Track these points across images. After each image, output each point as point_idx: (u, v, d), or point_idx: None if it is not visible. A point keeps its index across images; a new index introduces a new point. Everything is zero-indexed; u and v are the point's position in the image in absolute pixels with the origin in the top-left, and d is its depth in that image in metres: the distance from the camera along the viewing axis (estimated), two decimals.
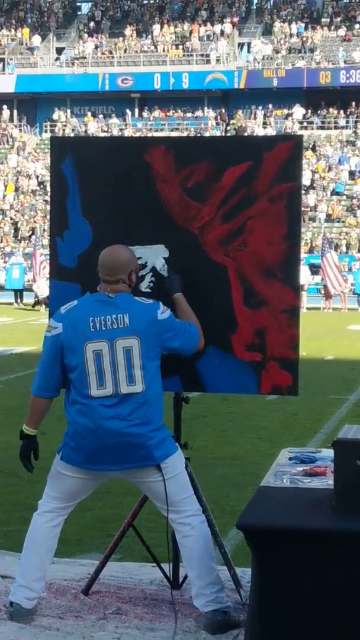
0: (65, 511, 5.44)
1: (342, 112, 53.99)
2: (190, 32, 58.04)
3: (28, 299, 35.94)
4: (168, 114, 56.00)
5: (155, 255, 5.66)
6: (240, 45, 59.45)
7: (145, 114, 56.70)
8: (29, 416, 5.37)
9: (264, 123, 53.35)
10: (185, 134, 51.58)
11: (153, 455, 5.18)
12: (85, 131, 54.40)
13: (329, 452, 5.25)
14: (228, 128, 52.91)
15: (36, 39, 59.70)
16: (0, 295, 37.09)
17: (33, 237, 40.24)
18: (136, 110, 57.45)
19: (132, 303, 5.23)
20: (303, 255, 36.45)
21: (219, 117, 54.69)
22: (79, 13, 64.28)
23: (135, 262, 5.38)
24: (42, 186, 50.34)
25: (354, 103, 53.20)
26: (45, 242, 34.18)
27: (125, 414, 5.14)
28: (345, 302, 34.39)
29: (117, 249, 5.34)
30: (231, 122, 53.74)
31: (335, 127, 53.41)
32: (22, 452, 5.37)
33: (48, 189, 39.62)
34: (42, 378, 5.31)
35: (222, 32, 57.49)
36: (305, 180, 46.01)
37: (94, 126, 54.97)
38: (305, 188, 45.77)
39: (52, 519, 5.40)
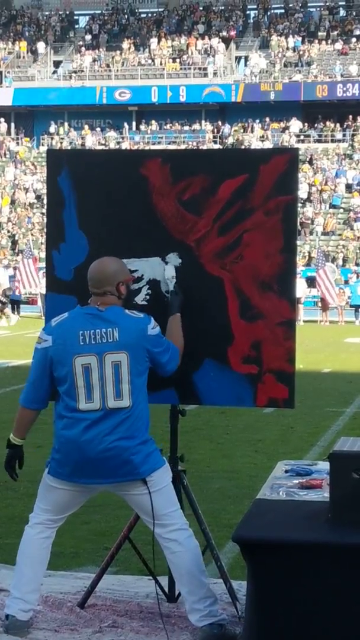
0: (56, 523, 5.44)
1: (338, 125, 54.09)
2: (188, 46, 58.18)
3: (25, 312, 35.94)
4: (165, 127, 56.08)
5: (151, 268, 5.66)
6: (238, 58, 59.60)
7: (142, 127, 56.79)
8: (16, 426, 5.41)
9: (261, 136, 53.42)
10: (182, 147, 51.63)
11: (138, 470, 5.18)
12: (83, 144, 54.46)
13: (325, 465, 5.25)
14: (225, 141, 52.97)
15: (34, 52, 59.87)
16: None
17: (26, 247, 40.25)
18: (133, 124, 57.55)
19: (122, 317, 5.23)
20: (300, 268, 36.54)
21: (215, 130, 54.75)
22: (76, 27, 64.42)
23: (125, 273, 5.36)
24: (39, 199, 50.38)
25: (350, 116, 53.30)
26: (42, 254, 34.16)
27: (111, 428, 5.14)
28: (342, 314, 34.39)
29: (104, 261, 5.35)
30: (229, 137, 53.83)
31: (332, 141, 53.51)
32: (8, 461, 5.41)
33: (45, 201, 39.53)
34: (30, 390, 5.33)
35: (219, 46, 57.61)
36: (303, 193, 46.07)
37: (91, 139, 55.03)
38: (302, 201, 45.83)
39: (43, 531, 5.40)
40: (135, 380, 5.18)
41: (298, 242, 5.84)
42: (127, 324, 5.21)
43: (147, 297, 5.65)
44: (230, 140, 52.97)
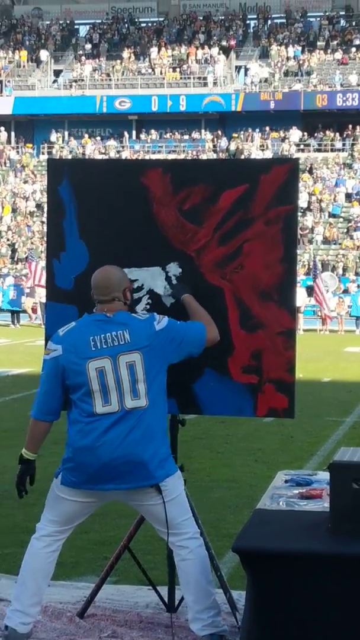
0: (64, 535, 5.40)
1: (338, 134, 54.14)
2: (188, 55, 58.26)
3: (25, 320, 35.95)
4: (165, 136, 56.15)
5: (152, 278, 5.67)
6: (238, 68, 59.66)
7: (142, 136, 56.84)
8: (29, 440, 5.32)
9: (261, 145, 53.47)
10: (182, 156, 51.68)
11: (154, 474, 5.15)
12: (83, 153, 54.50)
13: (325, 475, 5.25)
14: (221, 154, 52.99)
15: (34, 61, 60.00)
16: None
17: (29, 252, 40.28)
18: (133, 132, 57.59)
19: (130, 319, 5.24)
20: (300, 277, 36.57)
21: (215, 139, 54.81)
22: (77, 36, 64.54)
23: (128, 280, 5.39)
24: (39, 208, 50.42)
25: (350, 126, 53.34)
26: (42, 263, 34.18)
27: (128, 429, 5.12)
28: (342, 324, 34.40)
29: (108, 269, 5.36)
30: (229, 145, 53.88)
31: (332, 150, 53.55)
32: (20, 476, 5.31)
33: (45, 210, 39.61)
34: (43, 401, 5.27)
35: (219, 55, 57.69)
36: (302, 202, 46.10)
37: (91, 148, 55.09)
38: (302, 210, 45.86)
39: (51, 544, 5.36)
40: (150, 379, 5.17)
41: (298, 251, 5.83)
42: (136, 325, 5.21)
43: (148, 306, 5.65)
44: (231, 147, 52.93)
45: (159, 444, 5.20)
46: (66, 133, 58.31)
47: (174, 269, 5.63)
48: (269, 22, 61.78)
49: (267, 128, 54.35)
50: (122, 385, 5.13)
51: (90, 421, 5.15)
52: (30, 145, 57.66)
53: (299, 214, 41.12)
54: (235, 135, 54.05)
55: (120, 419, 5.13)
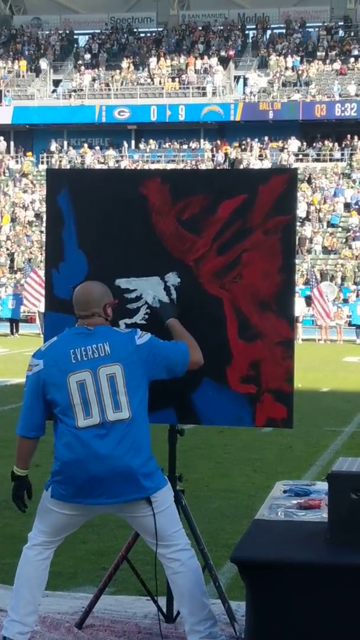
0: (54, 544, 5.41)
1: (337, 144, 54.20)
2: (187, 65, 58.35)
3: (24, 329, 35.94)
4: (164, 145, 56.21)
5: (151, 288, 5.67)
6: (237, 78, 59.75)
7: (141, 145, 56.90)
8: (17, 457, 5.35)
9: (260, 155, 53.53)
10: (181, 165, 51.74)
11: (144, 487, 5.15)
12: (82, 162, 54.55)
13: (324, 485, 5.23)
14: (222, 162, 53.06)
15: (33, 71, 60.10)
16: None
17: (26, 264, 40.32)
18: (132, 142, 57.66)
19: (111, 333, 5.25)
20: (299, 287, 36.59)
21: (214, 149, 54.86)
22: (76, 46, 64.64)
23: (109, 296, 5.37)
24: (38, 217, 50.44)
25: (348, 136, 53.41)
26: (41, 272, 34.19)
27: (114, 443, 5.11)
28: (341, 333, 34.40)
29: (89, 285, 5.38)
30: (225, 150, 53.90)
31: (331, 160, 53.62)
32: (15, 492, 5.34)
33: (44, 220, 39.60)
34: (26, 418, 5.29)
35: (218, 65, 57.79)
36: (301, 212, 46.15)
37: (90, 157, 55.14)
38: (301, 220, 45.90)
39: (42, 552, 5.36)
40: (132, 392, 5.16)
41: (296, 261, 5.83)
42: (117, 338, 5.22)
43: (146, 316, 5.65)
44: (229, 156, 53.01)
45: (147, 457, 5.20)
46: (65, 143, 58.37)
47: (172, 278, 5.63)
48: (268, 32, 61.91)
49: (266, 138, 54.40)
50: (102, 398, 5.13)
51: (76, 434, 5.14)
52: (31, 153, 57.67)
53: (298, 223, 41.18)
54: (226, 148, 54.00)
55: (105, 434, 5.12)
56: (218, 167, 52.59)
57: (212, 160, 53.29)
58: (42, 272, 33.62)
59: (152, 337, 5.28)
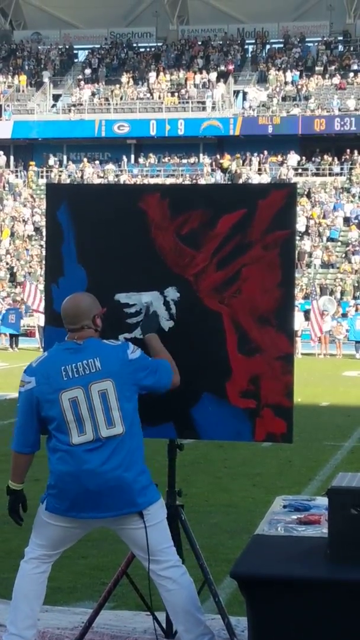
0: (52, 558, 5.41)
1: (336, 159, 54.29)
2: (186, 80, 58.49)
3: (24, 343, 35.93)
4: (164, 160, 56.29)
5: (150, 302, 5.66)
6: (236, 92, 59.87)
7: (141, 160, 57.00)
8: (13, 472, 5.37)
9: (259, 170, 53.61)
10: (180, 180, 51.79)
11: (137, 501, 5.15)
12: (81, 176, 54.62)
13: (324, 500, 5.23)
14: (222, 173, 53.12)
15: (33, 85, 60.25)
16: None
17: (27, 276, 40.33)
18: (132, 157, 57.76)
19: (101, 347, 5.24)
20: (299, 301, 36.60)
21: (213, 163, 54.93)
22: (75, 61, 64.81)
23: (97, 306, 5.37)
24: (37, 231, 50.49)
25: (348, 150, 53.50)
26: (40, 287, 34.22)
27: (107, 458, 5.12)
28: (340, 348, 34.39)
29: (77, 297, 5.38)
30: (222, 164, 53.97)
31: (330, 174, 53.70)
32: (11, 506, 5.35)
33: (44, 234, 39.67)
34: (20, 434, 5.32)
35: (217, 80, 57.92)
36: (300, 226, 46.20)
37: (90, 172, 55.21)
38: (300, 234, 45.93)
39: (39, 566, 5.36)
40: (124, 406, 5.17)
41: (296, 275, 5.82)
42: (108, 352, 5.22)
43: None
44: (231, 169, 53.09)
45: (140, 470, 5.20)
46: (65, 157, 58.45)
47: (172, 293, 5.64)
48: (267, 47, 62.12)
49: (265, 152, 54.50)
50: (95, 414, 5.14)
51: (69, 450, 5.15)
52: (33, 162, 57.61)
53: (297, 238, 41.21)
54: (227, 158, 54.07)
55: (98, 449, 5.13)
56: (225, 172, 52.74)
57: (212, 176, 53.31)
58: (41, 287, 33.71)
59: (142, 352, 5.30)
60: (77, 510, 5.18)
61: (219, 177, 52.49)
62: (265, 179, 50.81)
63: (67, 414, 5.14)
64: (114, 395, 5.15)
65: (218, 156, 55.46)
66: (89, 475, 5.10)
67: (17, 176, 57.87)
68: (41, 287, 34.61)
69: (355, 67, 57.87)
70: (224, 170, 53.11)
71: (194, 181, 51.73)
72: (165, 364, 5.34)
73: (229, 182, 45.80)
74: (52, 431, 5.20)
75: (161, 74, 59.24)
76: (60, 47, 64.31)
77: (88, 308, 5.31)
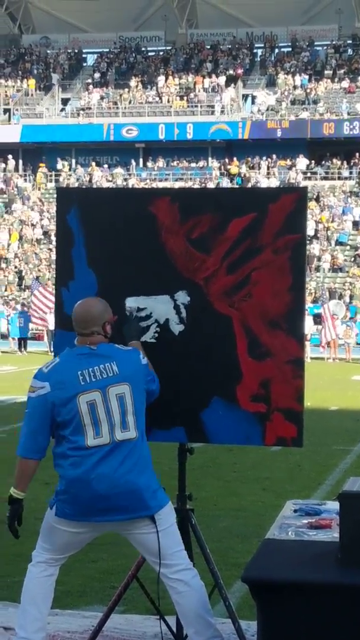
0: (59, 562, 5.41)
1: (345, 163, 54.24)
2: (195, 84, 58.50)
3: (32, 347, 35.96)
4: (172, 164, 56.29)
5: (160, 306, 5.66)
6: (245, 96, 59.84)
7: (149, 163, 57.00)
8: (18, 479, 5.27)
9: (268, 173, 53.60)
10: (189, 184, 51.81)
11: (148, 505, 5.15)
12: (90, 180, 54.67)
13: (334, 505, 5.22)
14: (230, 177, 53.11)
15: (42, 89, 60.34)
16: (3, 344, 37.10)
17: (33, 281, 40.37)
18: (140, 160, 57.77)
19: (116, 351, 5.27)
20: (308, 305, 36.58)
21: (222, 167, 54.94)
22: (84, 65, 64.89)
23: (109, 313, 5.37)
24: (46, 235, 50.52)
25: (357, 154, 53.43)
26: (50, 289, 34.25)
27: (120, 461, 5.12)
28: (350, 352, 34.35)
29: (89, 302, 5.38)
30: (230, 170, 53.96)
31: (339, 178, 53.66)
32: (11, 517, 5.27)
33: (52, 238, 39.81)
34: (30, 439, 5.23)
35: (226, 84, 57.93)
36: (309, 230, 46.12)
37: (98, 176, 55.25)
38: (309, 238, 45.89)
39: (46, 569, 5.36)
40: (138, 410, 5.21)
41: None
42: (123, 356, 5.25)
43: (156, 334, 5.65)
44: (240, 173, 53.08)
45: (151, 475, 5.22)
46: (73, 161, 58.50)
47: (182, 297, 5.63)
48: (276, 50, 62.09)
49: (274, 156, 54.46)
50: (112, 417, 5.15)
51: (81, 454, 5.14)
52: (43, 164, 57.63)
53: (307, 241, 41.15)
54: (235, 165, 54.05)
55: (112, 451, 5.13)
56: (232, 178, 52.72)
57: (220, 180, 53.32)
58: (50, 289, 33.77)
59: (148, 362, 5.34)
60: (88, 514, 5.17)
61: (226, 183, 52.47)
62: (274, 182, 50.78)
63: (84, 417, 5.13)
64: (130, 399, 5.17)
65: (227, 160, 55.44)
66: (102, 479, 5.09)
67: (25, 180, 57.93)
68: (44, 291, 34.76)
69: None
70: (232, 177, 53.06)
71: (203, 185, 51.76)
72: (155, 374, 5.40)
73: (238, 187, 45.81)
74: (66, 436, 5.17)
75: (170, 77, 59.27)
76: (69, 51, 64.40)
77: (99, 314, 5.31)
